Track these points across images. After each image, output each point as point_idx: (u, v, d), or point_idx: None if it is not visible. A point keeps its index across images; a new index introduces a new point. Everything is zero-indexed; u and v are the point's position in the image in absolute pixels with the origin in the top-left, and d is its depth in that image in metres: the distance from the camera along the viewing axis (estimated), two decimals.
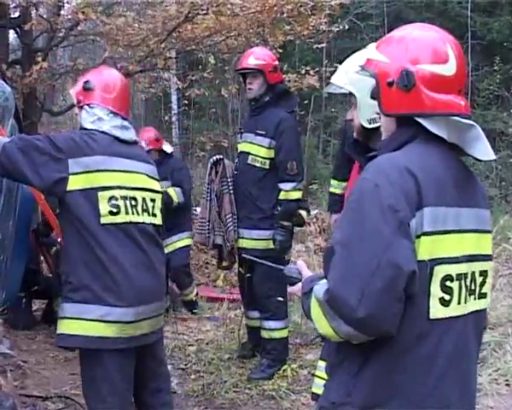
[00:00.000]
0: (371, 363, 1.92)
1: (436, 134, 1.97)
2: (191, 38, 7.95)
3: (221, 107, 14.36)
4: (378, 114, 2.69)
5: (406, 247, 1.81)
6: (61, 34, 7.88)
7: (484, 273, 2.04)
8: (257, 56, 5.29)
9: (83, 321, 3.16)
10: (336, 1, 8.21)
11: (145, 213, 3.34)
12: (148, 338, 3.35)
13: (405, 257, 1.80)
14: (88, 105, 3.37)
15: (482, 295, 2.04)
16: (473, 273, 1.99)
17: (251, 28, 8.27)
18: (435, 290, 1.89)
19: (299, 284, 2.17)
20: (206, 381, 5.20)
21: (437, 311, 1.90)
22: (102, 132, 3.30)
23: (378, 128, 2.69)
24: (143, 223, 3.33)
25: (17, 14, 7.84)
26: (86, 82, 3.40)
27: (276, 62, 5.38)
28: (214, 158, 5.68)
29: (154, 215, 3.42)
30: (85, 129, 3.33)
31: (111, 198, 3.20)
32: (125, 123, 3.42)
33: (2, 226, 3.99)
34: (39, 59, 6.99)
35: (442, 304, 1.91)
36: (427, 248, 1.86)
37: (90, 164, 3.19)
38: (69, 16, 7.66)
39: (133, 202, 3.29)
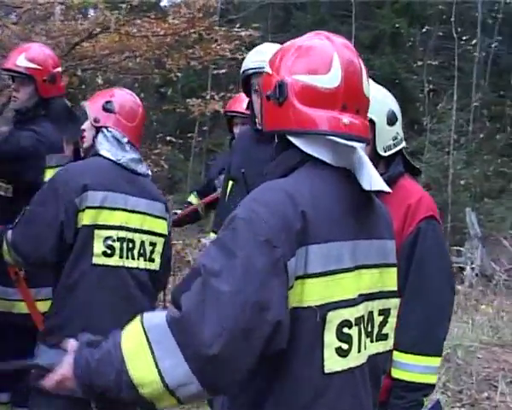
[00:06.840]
0: None
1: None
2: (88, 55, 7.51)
3: None
4: (394, 139, 2.57)
5: (278, 291, 1.52)
6: None
7: (385, 312, 1.79)
8: (30, 56, 3.70)
9: None
10: (246, 32, 8.13)
11: (141, 258, 3.19)
12: None
13: (276, 303, 1.51)
14: (106, 128, 3.16)
15: (382, 337, 1.79)
16: (370, 314, 1.74)
17: (151, 50, 7.88)
18: (330, 340, 1.61)
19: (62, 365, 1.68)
20: None
21: (333, 363, 1.62)
22: (116, 164, 3.14)
23: (391, 156, 2.58)
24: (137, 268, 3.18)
25: None
26: (108, 102, 3.18)
27: (58, 70, 3.82)
28: None
29: (152, 260, 3.23)
30: (99, 155, 3.14)
31: (107, 238, 3.05)
32: (139, 156, 3.27)
33: None
34: None
35: (340, 355, 1.63)
36: (315, 293, 1.59)
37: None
38: None
39: (130, 245, 3.14)
